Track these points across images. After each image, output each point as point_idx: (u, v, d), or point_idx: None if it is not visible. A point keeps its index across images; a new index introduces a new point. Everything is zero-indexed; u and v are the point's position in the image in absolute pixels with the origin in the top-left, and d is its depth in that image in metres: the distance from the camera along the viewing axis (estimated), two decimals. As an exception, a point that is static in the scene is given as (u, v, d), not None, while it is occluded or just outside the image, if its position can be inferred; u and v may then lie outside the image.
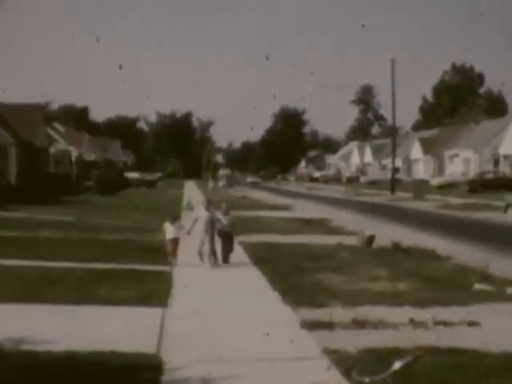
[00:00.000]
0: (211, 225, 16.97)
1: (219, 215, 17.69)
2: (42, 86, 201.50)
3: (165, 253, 16.97)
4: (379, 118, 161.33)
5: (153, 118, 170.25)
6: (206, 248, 16.73)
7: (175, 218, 17.62)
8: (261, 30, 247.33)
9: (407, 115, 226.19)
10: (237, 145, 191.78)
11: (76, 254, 17.75)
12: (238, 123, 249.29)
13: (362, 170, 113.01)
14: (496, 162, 70.03)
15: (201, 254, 16.86)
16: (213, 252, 16.85)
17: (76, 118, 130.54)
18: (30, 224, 25.93)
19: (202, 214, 17.38)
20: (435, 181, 70.67)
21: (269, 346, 9.50)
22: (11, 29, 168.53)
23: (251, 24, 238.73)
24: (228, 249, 17.39)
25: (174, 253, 16.72)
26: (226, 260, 17.23)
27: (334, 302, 12.40)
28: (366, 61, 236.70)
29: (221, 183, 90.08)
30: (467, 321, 11.03)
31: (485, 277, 15.05)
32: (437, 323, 10.88)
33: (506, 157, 67.58)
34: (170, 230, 16.91)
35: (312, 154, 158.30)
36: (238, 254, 18.12)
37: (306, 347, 9.57)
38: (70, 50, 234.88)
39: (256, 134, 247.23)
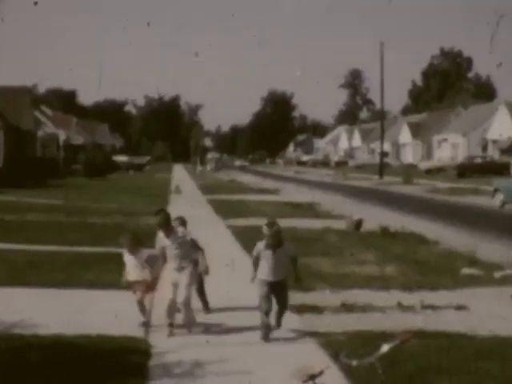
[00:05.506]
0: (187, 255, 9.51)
1: (262, 248, 9.09)
2: (29, 68, 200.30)
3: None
4: (368, 102, 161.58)
5: (141, 102, 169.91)
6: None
7: (137, 240, 9.55)
8: (251, 14, 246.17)
9: (396, 99, 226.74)
10: (225, 128, 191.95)
11: (63, 238, 17.67)
12: (226, 107, 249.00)
13: (351, 153, 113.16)
14: (484, 147, 70.31)
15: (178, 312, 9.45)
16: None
17: (64, 102, 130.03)
18: (17, 207, 25.80)
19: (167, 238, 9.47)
20: (424, 165, 70.81)
21: (257, 329, 9.48)
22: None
23: (241, 8, 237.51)
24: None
25: (145, 306, 9.45)
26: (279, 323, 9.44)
27: (323, 286, 12.42)
28: (355, 45, 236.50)
29: (209, 167, 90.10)
30: (455, 305, 11.07)
31: (472, 261, 15.10)
32: (424, 307, 10.91)
33: (494, 141, 67.83)
34: (131, 267, 9.54)
35: (300, 137, 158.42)
36: (227, 237, 18.06)
37: (295, 331, 9.56)
38: (58, 33, 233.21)
39: (245, 117, 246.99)
